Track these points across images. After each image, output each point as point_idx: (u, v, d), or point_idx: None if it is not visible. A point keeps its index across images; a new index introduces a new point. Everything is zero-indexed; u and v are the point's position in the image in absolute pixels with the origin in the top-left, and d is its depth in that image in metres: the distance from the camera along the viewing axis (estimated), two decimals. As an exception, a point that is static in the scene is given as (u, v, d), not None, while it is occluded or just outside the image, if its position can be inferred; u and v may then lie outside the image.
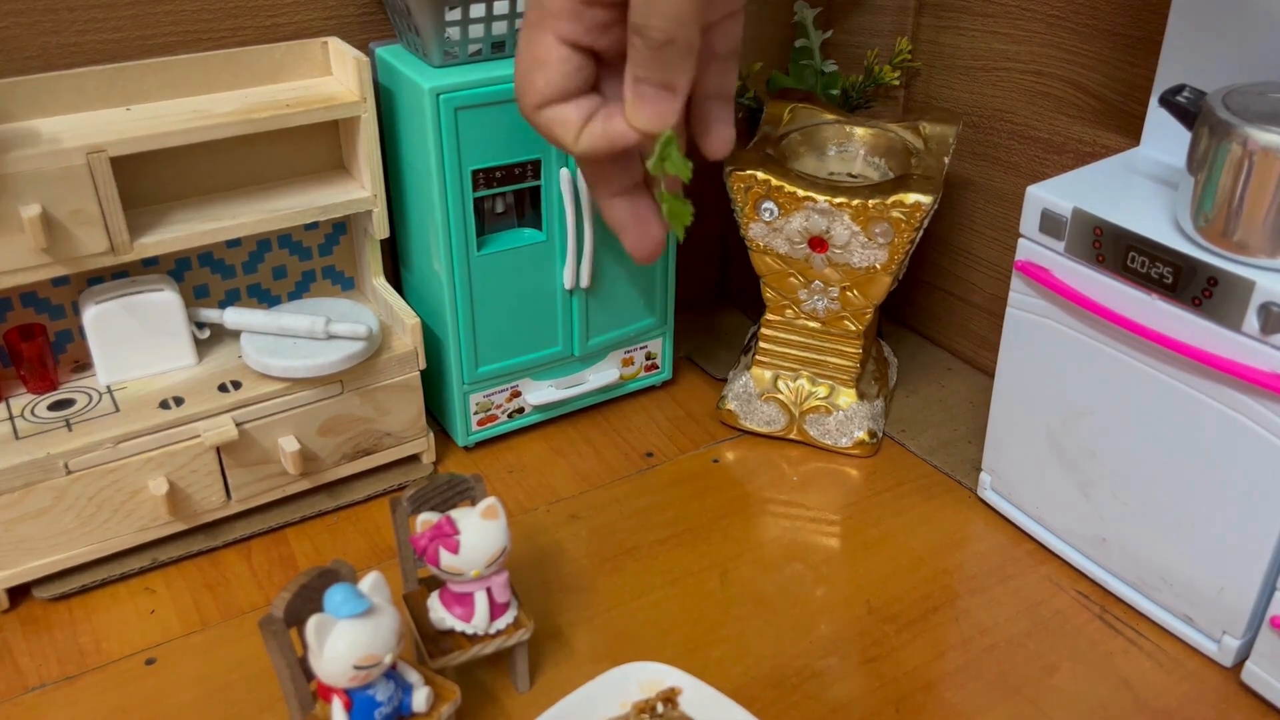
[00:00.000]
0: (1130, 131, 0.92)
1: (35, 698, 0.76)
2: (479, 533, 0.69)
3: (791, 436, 1.04)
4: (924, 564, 0.89)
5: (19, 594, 0.85)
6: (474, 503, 0.73)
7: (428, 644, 0.72)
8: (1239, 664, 0.77)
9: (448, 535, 0.68)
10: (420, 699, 0.65)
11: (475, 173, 0.89)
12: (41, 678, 0.78)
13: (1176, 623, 0.81)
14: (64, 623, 0.83)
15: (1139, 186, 0.80)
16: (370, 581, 0.64)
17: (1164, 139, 0.83)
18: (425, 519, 0.69)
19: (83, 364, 0.91)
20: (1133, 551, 0.82)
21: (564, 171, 0.91)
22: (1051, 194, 0.79)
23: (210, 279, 0.95)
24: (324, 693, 0.64)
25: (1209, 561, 0.77)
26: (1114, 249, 0.75)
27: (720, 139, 0.47)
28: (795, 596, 0.85)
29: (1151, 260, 0.73)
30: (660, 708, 0.71)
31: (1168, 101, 0.74)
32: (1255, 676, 0.75)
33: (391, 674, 0.65)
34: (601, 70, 0.45)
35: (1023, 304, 0.85)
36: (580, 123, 0.44)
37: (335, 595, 0.61)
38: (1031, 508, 0.91)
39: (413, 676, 0.67)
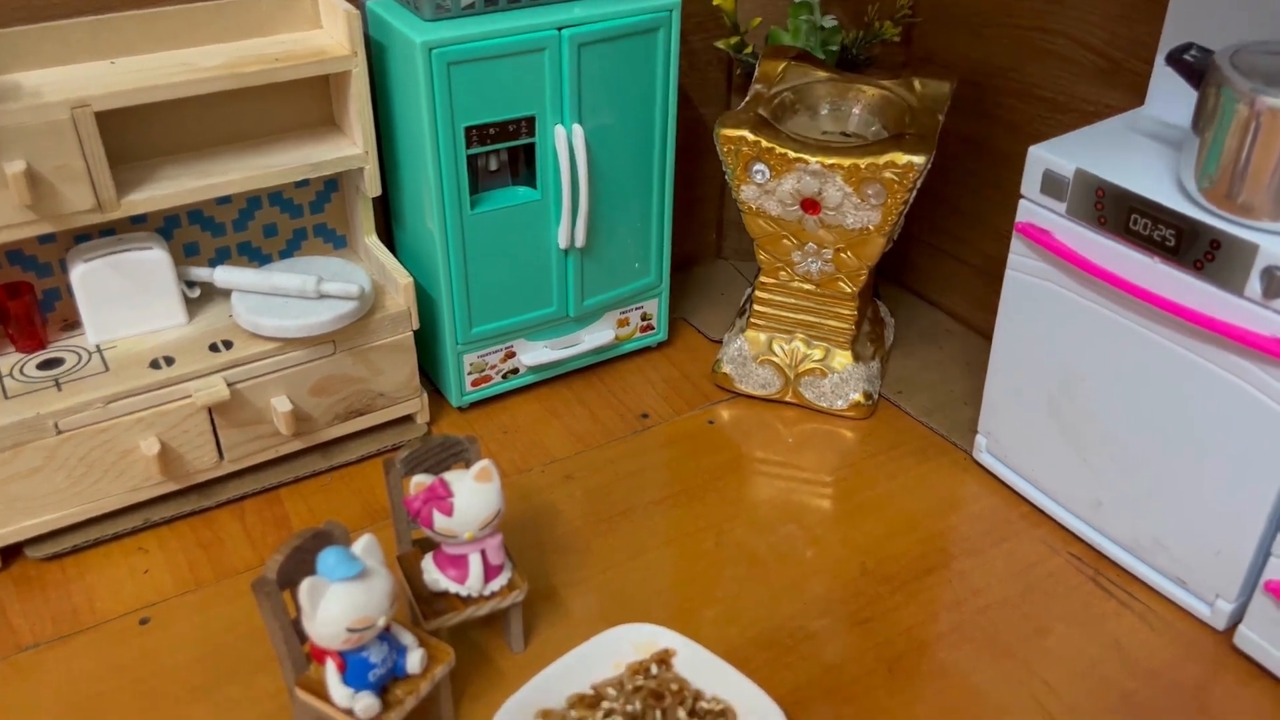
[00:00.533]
0: (1135, 90, 0.90)
1: (30, 656, 0.76)
2: (473, 495, 0.68)
3: (787, 399, 1.03)
4: (918, 526, 0.89)
5: (11, 553, 0.84)
6: (468, 465, 0.73)
7: (422, 605, 0.72)
8: (1231, 627, 0.78)
9: (441, 498, 0.68)
10: (414, 660, 0.65)
11: (468, 129, 0.87)
12: (36, 636, 0.78)
13: (1169, 586, 0.81)
14: (57, 582, 0.83)
15: (1143, 147, 0.79)
16: (363, 544, 0.63)
17: (1169, 99, 0.81)
18: (419, 481, 0.69)
19: (71, 323, 0.90)
20: (1128, 515, 0.82)
21: (559, 129, 0.90)
22: (1054, 154, 0.78)
23: (200, 237, 0.93)
24: (317, 654, 0.64)
25: (1204, 525, 0.77)
26: (1116, 211, 0.74)
27: None
28: (789, 558, 0.85)
29: (1154, 222, 0.72)
30: (654, 669, 0.72)
31: (1174, 60, 0.72)
32: (1247, 640, 0.76)
33: (385, 636, 0.65)
34: None
35: (1022, 266, 0.84)
36: None
37: (328, 558, 0.61)
38: (1027, 470, 0.91)
39: (406, 638, 0.67)
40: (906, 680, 0.74)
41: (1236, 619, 0.77)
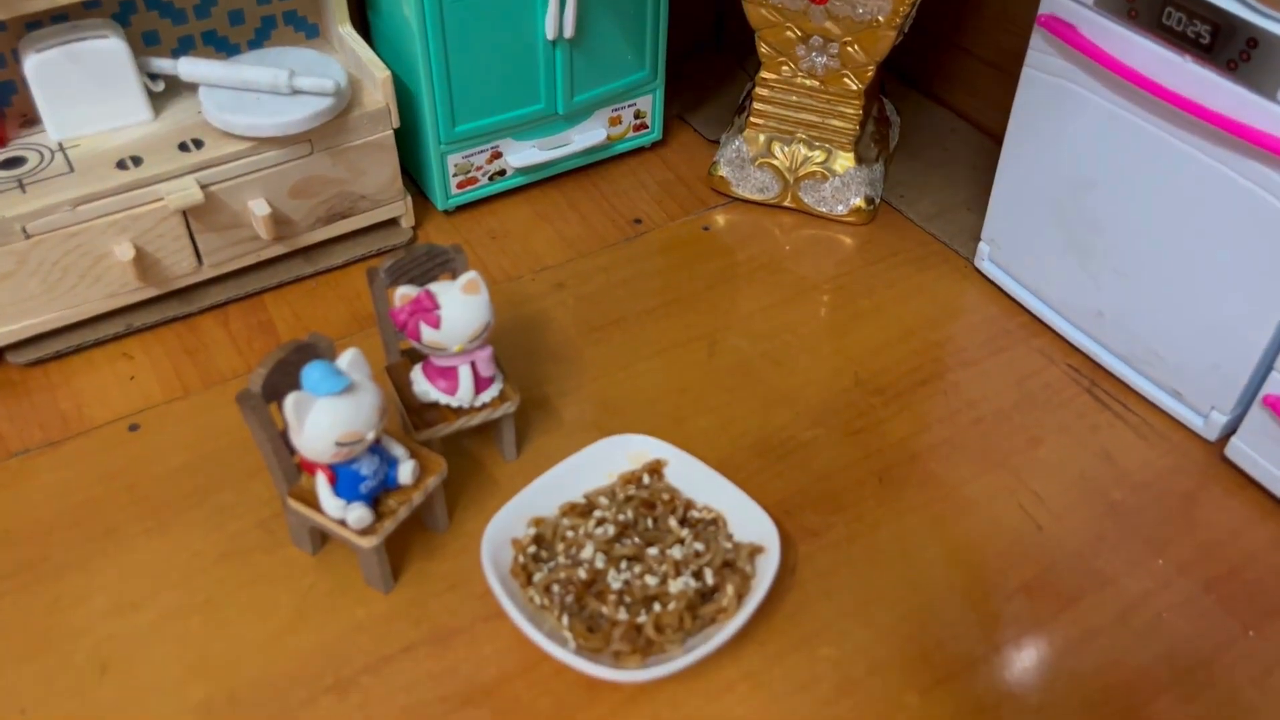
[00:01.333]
0: None
1: (20, 463, 0.76)
2: (460, 308, 0.66)
3: (785, 204, 1.00)
4: (915, 336, 0.87)
5: (-8, 360, 0.83)
6: (454, 275, 0.70)
7: (412, 416, 0.71)
8: (1223, 439, 0.78)
9: (428, 310, 0.65)
10: (406, 472, 0.65)
11: (446, -96, 0.79)
12: (25, 443, 0.77)
13: (1165, 397, 0.81)
14: (43, 388, 0.82)
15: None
16: (349, 358, 0.61)
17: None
18: (404, 293, 0.66)
19: (31, 118, 0.85)
20: (1129, 326, 0.81)
21: (545, -96, 0.82)
22: (1086, -62, 0.71)
23: (160, 24, 0.86)
24: (308, 466, 0.64)
25: (1207, 338, 0.75)
26: (1149, 4, 0.68)
27: None
28: (783, 368, 0.84)
29: (1190, 16, 0.66)
30: (646, 479, 0.72)
31: None
32: (1239, 451, 0.76)
33: (376, 448, 0.64)
34: None
35: (1042, 63, 0.78)
36: None
37: (313, 373, 0.59)
38: (1029, 280, 0.89)
39: (398, 450, 0.66)
40: (897, 490, 0.75)
41: (1229, 431, 0.78)
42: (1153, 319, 0.79)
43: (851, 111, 0.94)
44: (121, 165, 0.80)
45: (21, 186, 0.78)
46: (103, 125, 0.83)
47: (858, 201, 0.97)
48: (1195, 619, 0.67)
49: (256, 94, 0.83)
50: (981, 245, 0.92)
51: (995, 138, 1.03)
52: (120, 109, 0.83)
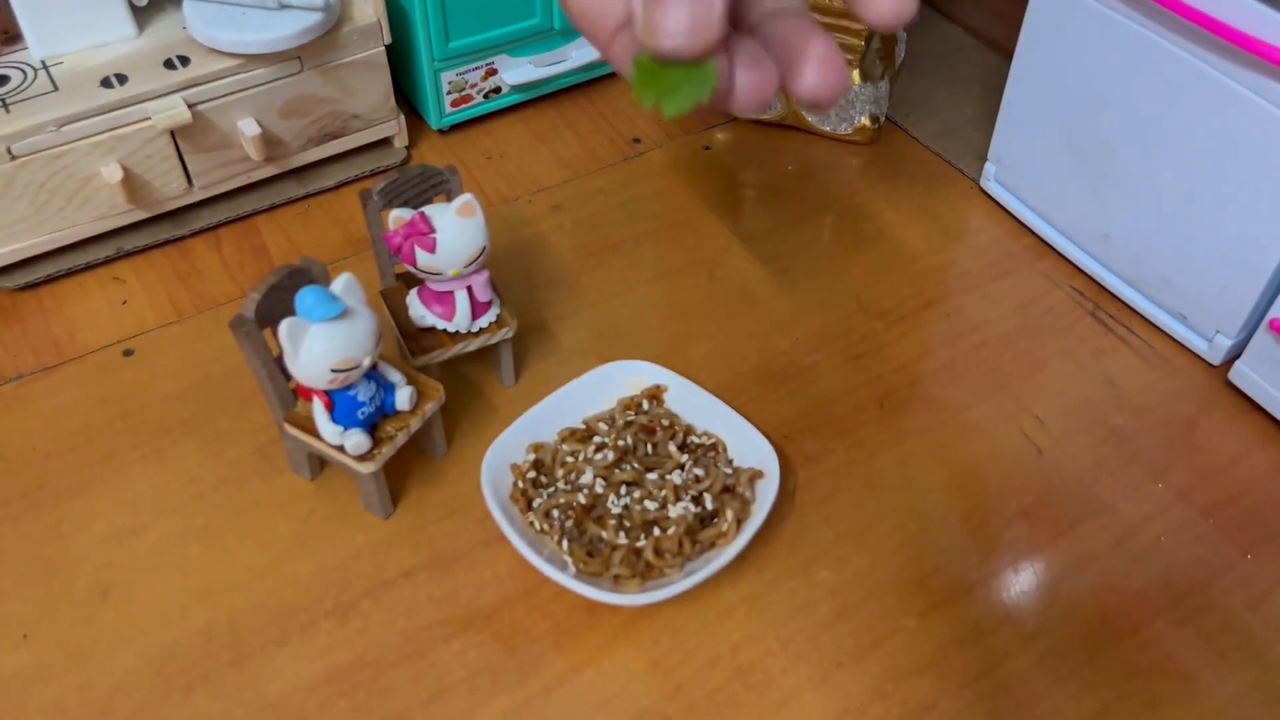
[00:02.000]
0: None
1: (14, 389, 0.75)
2: (456, 231, 0.65)
3: (789, 122, 0.97)
4: (919, 259, 0.86)
5: (-18, 284, 0.82)
6: (449, 197, 0.69)
7: (409, 341, 0.71)
8: (1227, 363, 0.77)
9: (423, 234, 0.64)
10: (403, 398, 0.65)
11: None
12: (18, 368, 0.77)
13: (1170, 320, 0.80)
14: (34, 313, 0.81)
15: None
16: (342, 283, 0.60)
17: None
18: (398, 216, 0.65)
19: (12, 35, 0.82)
20: (1136, 249, 0.80)
21: None
22: None
23: (141, -65, 0.83)
24: (304, 392, 0.63)
25: (1215, 261, 0.74)
26: (1169, -88, 0.66)
27: (823, 74, 0.31)
28: (784, 292, 0.83)
29: (1211, -73, 0.64)
30: (646, 404, 0.71)
31: None
32: (1242, 375, 0.75)
33: (373, 374, 0.64)
34: None
35: (1055, -24, 0.76)
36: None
37: (306, 298, 0.58)
38: (1035, 201, 0.87)
39: (395, 376, 0.65)
40: (897, 415, 0.74)
41: (1234, 355, 0.77)
42: (1161, 242, 0.77)
43: (858, 26, 0.92)
44: (106, 84, 0.78)
45: (5, 106, 0.76)
46: (86, 42, 0.81)
47: (863, 120, 0.95)
48: (1193, 544, 0.68)
49: (243, 8, 0.81)
50: (988, 165, 0.90)
51: (1005, 53, 1.00)
52: (103, 24, 0.81)
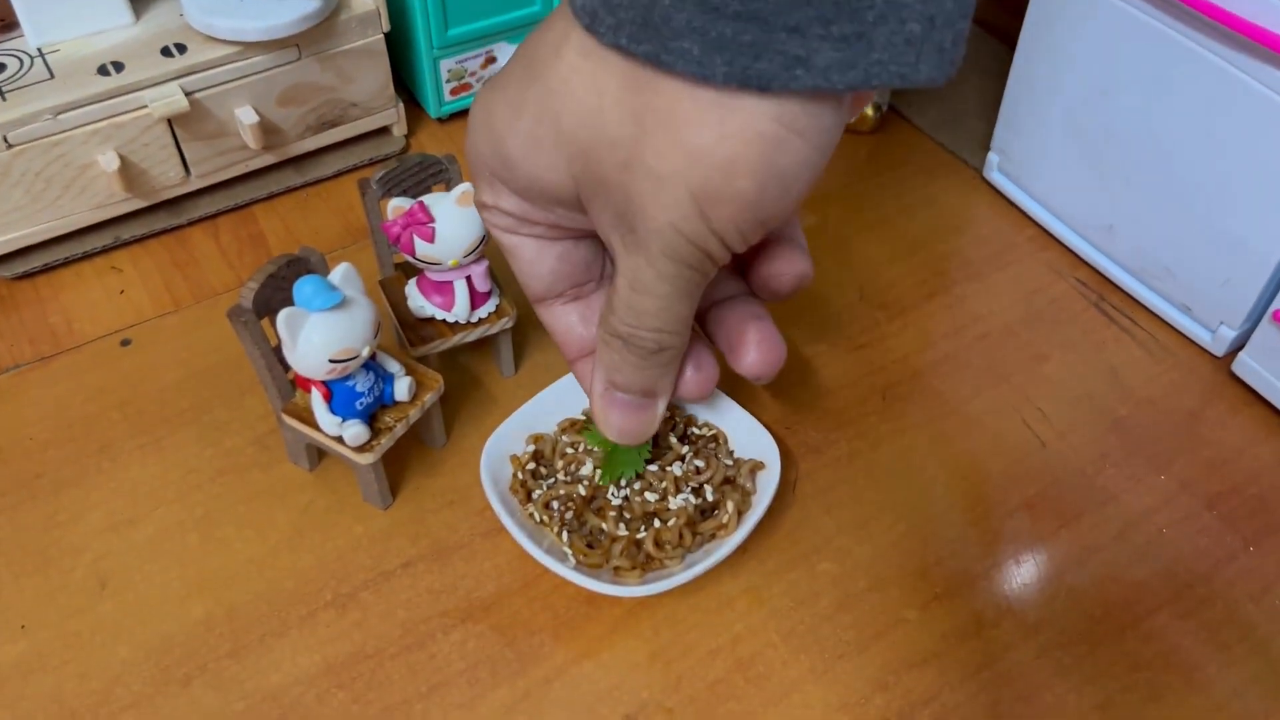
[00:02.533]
0: None
1: (11, 379, 0.75)
2: (455, 220, 0.64)
3: (790, 110, 0.97)
4: (921, 249, 0.86)
5: (-21, 273, 0.81)
6: (448, 186, 0.69)
7: (407, 331, 0.70)
8: (1230, 354, 0.77)
9: (422, 223, 0.64)
10: (402, 388, 0.64)
11: None
12: (15, 358, 0.76)
13: (1174, 312, 0.80)
14: (31, 302, 0.80)
15: None
16: (341, 273, 0.60)
17: None
18: (397, 205, 0.65)
19: (8, 22, 0.81)
20: (1141, 240, 0.79)
21: None
22: None
23: (137, -79, 0.83)
24: (303, 383, 0.63)
25: (1220, 253, 0.74)
26: (1176, -102, 0.65)
27: (762, 355, 0.36)
28: (786, 282, 0.82)
29: (1218, -87, 0.63)
30: (646, 395, 0.71)
31: None
32: (1246, 366, 0.75)
33: (371, 364, 0.63)
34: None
35: (1060, -37, 0.75)
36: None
37: (305, 288, 0.58)
38: (1039, 191, 0.87)
39: (394, 366, 0.65)
40: (900, 406, 0.74)
41: (1237, 346, 0.76)
42: (1166, 233, 0.77)
43: (860, 15, 0.91)
44: (103, 71, 0.77)
45: (2, 95, 0.76)
46: (82, 29, 0.80)
47: (865, 109, 0.94)
48: (1196, 535, 0.67)
49: (240, -5, 0.80)
50: (991, 155, 0.90)
51: (1008, 42, 0.99)
52: (100, 12, 0.80)
